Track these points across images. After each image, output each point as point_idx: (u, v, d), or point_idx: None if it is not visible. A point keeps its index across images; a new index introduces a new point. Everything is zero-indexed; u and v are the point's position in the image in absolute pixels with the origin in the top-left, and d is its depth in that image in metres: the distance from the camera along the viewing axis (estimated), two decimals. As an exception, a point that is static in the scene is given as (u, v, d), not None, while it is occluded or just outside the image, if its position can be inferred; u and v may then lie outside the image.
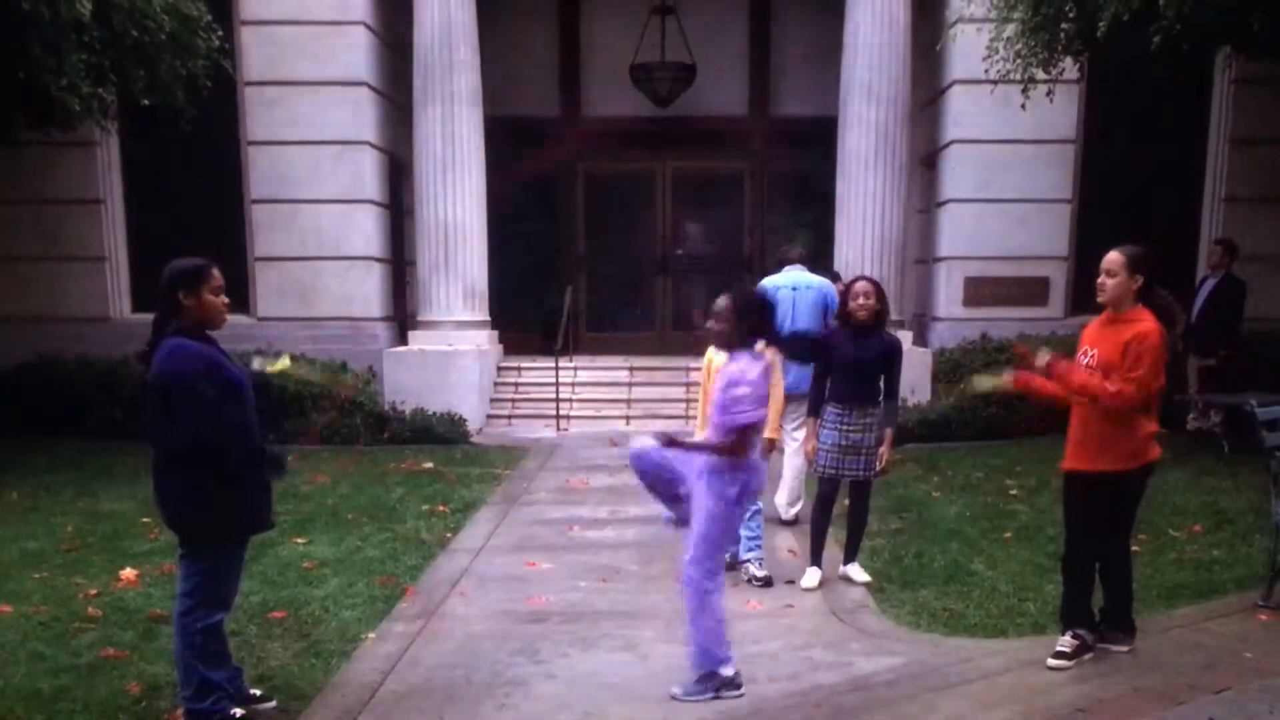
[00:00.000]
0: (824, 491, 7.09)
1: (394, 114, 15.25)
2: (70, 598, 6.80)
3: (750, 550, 7.29)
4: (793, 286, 8.93)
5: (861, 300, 6.91)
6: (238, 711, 4.97)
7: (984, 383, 6.06)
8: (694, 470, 5.31)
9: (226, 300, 5.07)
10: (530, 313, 16.33)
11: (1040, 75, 11.72)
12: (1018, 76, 11.79)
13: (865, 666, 5.64)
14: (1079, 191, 14.49)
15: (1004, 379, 5.84)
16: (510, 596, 6.94)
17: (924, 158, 15.62)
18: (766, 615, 6.55)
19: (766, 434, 7.12)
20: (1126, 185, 14.41)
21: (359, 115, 14.48)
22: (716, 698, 5.26)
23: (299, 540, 8.10)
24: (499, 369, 14.79)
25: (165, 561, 7.48)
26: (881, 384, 7.04)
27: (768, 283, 8.93)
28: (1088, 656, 5.56)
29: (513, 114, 16.04)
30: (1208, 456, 10.69)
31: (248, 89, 14.34)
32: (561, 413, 13.69)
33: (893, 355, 7.03)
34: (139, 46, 10.63)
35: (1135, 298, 5.41)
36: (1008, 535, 8.24)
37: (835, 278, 13.39)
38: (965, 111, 14.39)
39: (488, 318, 14.49)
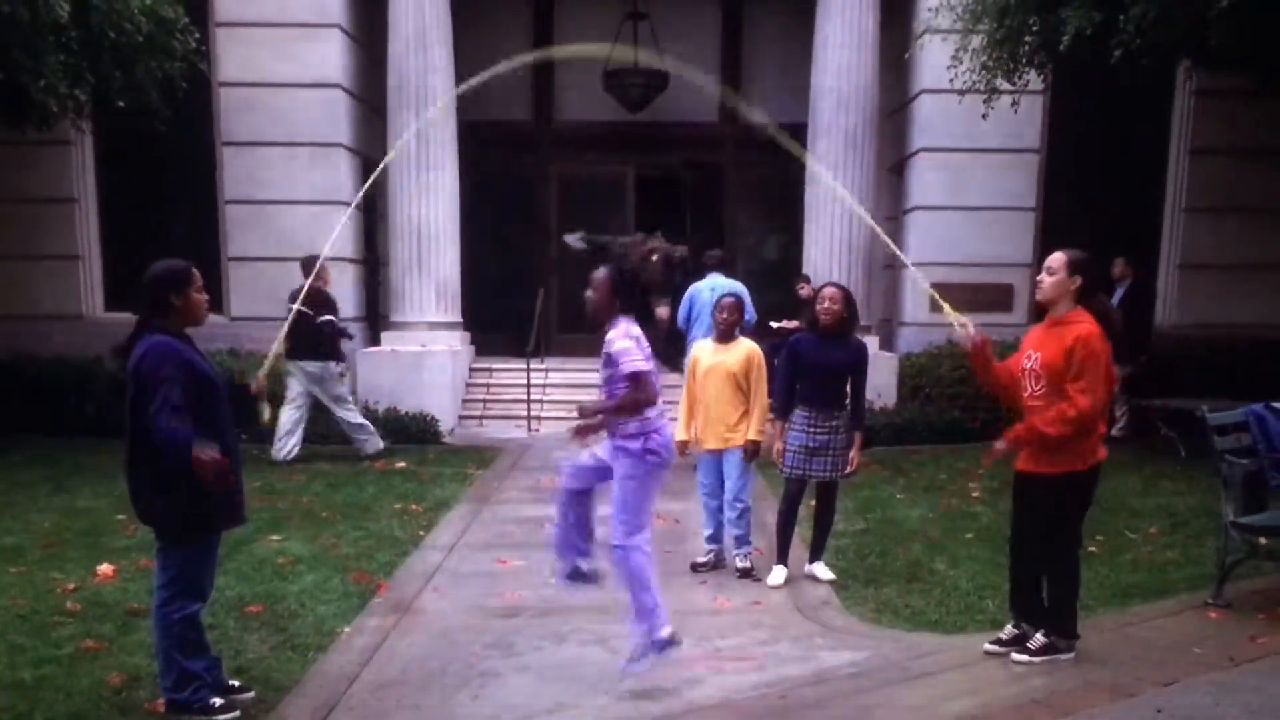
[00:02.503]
0: (791, 492, 7.26)
1: (367, 116, 15.34)
2: (48, 592, 6.90)
3: (739, 548, 7.48)
4: (711, 289, 10.61)
5: (828, 305, 7.09)
6: (217, 701, 5.08)
7: (954, 315, 6.12)
8: (609, 454, 5.58)
9: (207, 297, 5.21)
10: (502, 314, 16.45)
11: (1005, 86, 11.97)
12: (982, 87, 12.03)
13: (829, 660, 5.81)
14: (1043, 200, 14.74)
15: (971, 332, 5.87)
16: (483, 592, 7.09)
17: (892, 165, 15.85)
18: (735, 612, 6.72)
19: (751, 435, 7.34)
20: (1089, 194, 14.69)
21: (333, 117, 14.60)
22: (661, 655, 5.53)
23: (274, 537, 8.22)
24: (471, 370, 14.92)
25: (142, 557, 7.57)
26: (848, 388, 7.20)
27: (693, 288, 10.83)
28: (1065, 658, 5.72)
29: (486, 118, 16.17)
30: (1165, 462, 10.96)
31: (222, 90, 14.43)
32: (533, 414, 13.82)
33: (860, 360, 7.20)
34: (116, 48, 10.74)
35: (1073, 299, 5.57)
36: (969, 535, 8.44)
37: (805, 280, 13.67)
38: (933, 120, 14.64)
39: (460, 319, 14.62)
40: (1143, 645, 5.98)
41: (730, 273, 12.48)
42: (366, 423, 12.02)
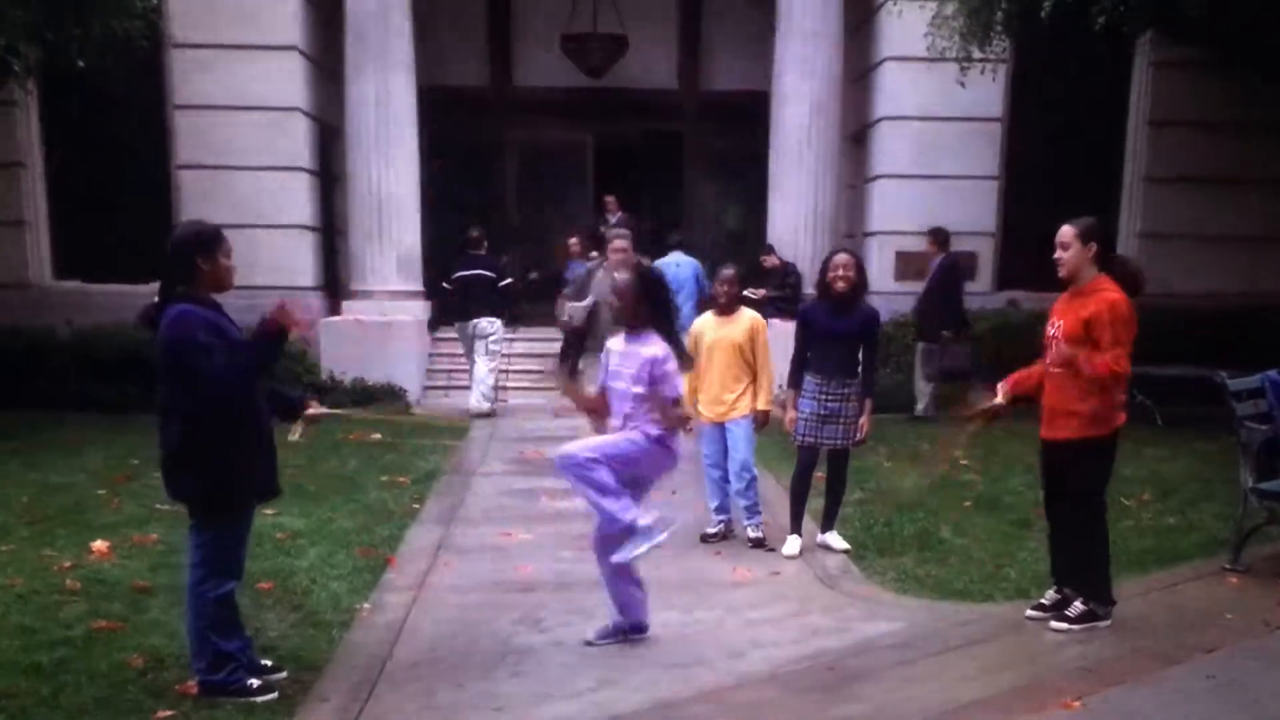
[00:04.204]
0: (804, 460, 7.21)
1: (324, 80, 15.00)
2: (44, 570, 6.64)
3: (750, 519, 7.41)
4: (676, 264, 12.13)
5: (841, 272, 7.03)
6: (254, 682, 4.93)
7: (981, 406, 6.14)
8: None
9: (233, 264, 5.01)
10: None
11: (977, 54, 11.98)
12: (954, 54, 12.04)
13: (866, 631, 5.76)
14: (1005, 169, 14.79)
15: (996, 401, 6.07)
16: (496, 567, 6.96)
17: (852, 134, 15.79)
18: (757, 583, 6.66)
19: (761, 405, 7.29)
20: (1051, 164, 14.70)
21: (291, 81, 14.28)
22: (626, 640, 5.58)
23: (268, 511, 7.84)
24: (434, 340, 14.69)
25: (134, 533, 7.41)
26: (860, 355, 7.15)
27: (659, 263, 10.82)
28: (1103, 625, 5.72)
29: (443, 84, 15.87)
30: (1142, 429, 11.03)
31: (175, 51, 13.99)
32: (499, 383, 13.63)
33: (871, 327, 7.17)
34: (79, 5, 10.35)
35: (1096, 266, 5.58)
36: (967, 504, 8.44)
37: (769, 250, 13.62)
38: (897, 88, 14.61)
39: (422, 288, 14.37)
40: (1174, 612, 6.01)
41: (690, 249, 13.25)
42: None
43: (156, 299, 4.86)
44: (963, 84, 12.20)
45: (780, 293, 13.48)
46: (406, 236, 14.10)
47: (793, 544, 7.19)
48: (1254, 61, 12.28)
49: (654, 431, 5.39)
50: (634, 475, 5.46)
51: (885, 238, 14.77)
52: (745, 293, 12.27)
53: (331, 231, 15.66)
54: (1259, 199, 14.52)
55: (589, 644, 5.52)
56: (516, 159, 17.33)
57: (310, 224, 14.59)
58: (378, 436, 10.98)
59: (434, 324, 14.57)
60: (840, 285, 7.01)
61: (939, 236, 12.78)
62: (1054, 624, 5.71)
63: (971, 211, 14.65)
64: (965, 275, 12.68)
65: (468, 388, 13.67)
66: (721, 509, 7.56)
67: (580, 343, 8.69)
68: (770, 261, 13.68)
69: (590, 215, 16.39)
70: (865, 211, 15.32)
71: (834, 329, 7.03)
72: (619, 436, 5.44)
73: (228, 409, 4.72)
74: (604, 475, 5.32)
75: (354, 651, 5.51)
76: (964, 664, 5.33)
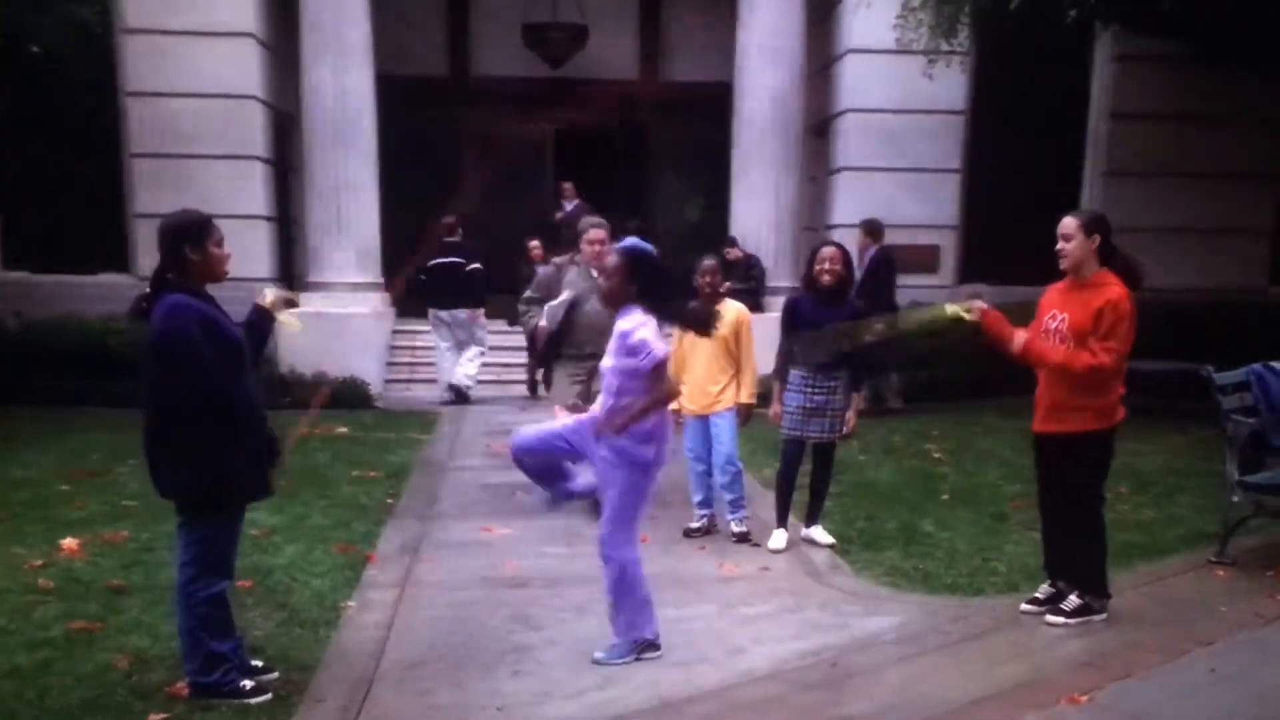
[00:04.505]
0: (790, 454, 7.14)
1: (280, 68, 14.75)
2: (15, 568, 6.45)
3: (734, 513, 7.33)
4: None
5: (827, 265, 6.97)
6: (247, 683, 4.79)
7: (954, 308, 6.04)
8: (594, 442, 5.23)
9: (229, 251, 4.86)
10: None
11: (945, 46, 12.00)
12: (920, 47, 12.06)
13: (864, 626, 5.70)
14: (968, 162, 14.83)
15: (972, 310, 5.82)
16: (480, 563, 6.83)
17: (813, 126, 15.76)
18: (747, 579, 6.57)
19: (744, 398, 7.21)
20: (1013, 157, 14.80)
21: (246, 68, 14.06)
22: (638, 659, 5.25)
23: (238, 507, 7.82)
24: (393, 332, 14.50)
25: (104, 530, 7.24)
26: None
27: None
28: (1099, 619, 5.70)
29: (401, 73, 15.66)
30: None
31: (128, 37, 13.71)
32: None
33: (857, 320, 7.10)
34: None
35: (1098, 260, 5.55)
36: (945, 497, 8.44)
37: (732, 243, 13.57)
38: (860, 80, 14.62)
39: (381, 280, 14.18)
40: (1167, 605, 6.02)
41: (650, 240, 12.61)
42: None
43: (148, 289, 4.71)
44: (930, 76, 12.22)
45: (744, 285, 13.38)
46: (365, 228, 13.91)
47: (779, 538, 7.13)
48: (1224, 54, 12.40)
49: (641, 453, 5.16)
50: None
51: (848, 231, 14.65)
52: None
53: (288, 222, 15.41)
54: (1219, 192, 14.68)
55: (598, 663, 5.27)
56: (476, 149, 17.11)
57: (266, 214, 14.35)
58: (344, 430, 10.82)
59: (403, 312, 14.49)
60: (826, 279, 6.96)
61: (871, 228, 12.72)
62: (1050, 618, 5.68)
63: (934, 204, 14.71)
64: (897, 268, 12.62)
65: (430, 380, 13.55)
66: (705, 503, 7.48)
67: (555, 349, 7.81)
68: (734, 254, 13.62)
69: (551, 207, 16.22)
70: (828, 204, 15.32)
71: (821, 322, 6.96)
72: (618, 492, 5.19)
73: (221, 404, 4.58)
74: (642, 586, 5.34)
75: (345, 651, 5.37)
76: (965, 659, 5.29)
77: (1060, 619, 5.65)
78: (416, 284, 12.83)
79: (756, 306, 12.11)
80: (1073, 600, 5.69)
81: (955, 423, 11.37)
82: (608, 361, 5.25)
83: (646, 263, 5.32)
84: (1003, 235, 14.41)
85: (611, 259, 5.38)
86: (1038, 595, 5.86)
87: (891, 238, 14.44)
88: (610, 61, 16.65)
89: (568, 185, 15.36)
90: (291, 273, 15.29)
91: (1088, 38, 14.24)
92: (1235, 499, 6.71)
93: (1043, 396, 5.74)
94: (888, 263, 12.58)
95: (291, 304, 5.32)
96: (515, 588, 6.36)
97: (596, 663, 5.23)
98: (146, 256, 13.87)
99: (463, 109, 16.83)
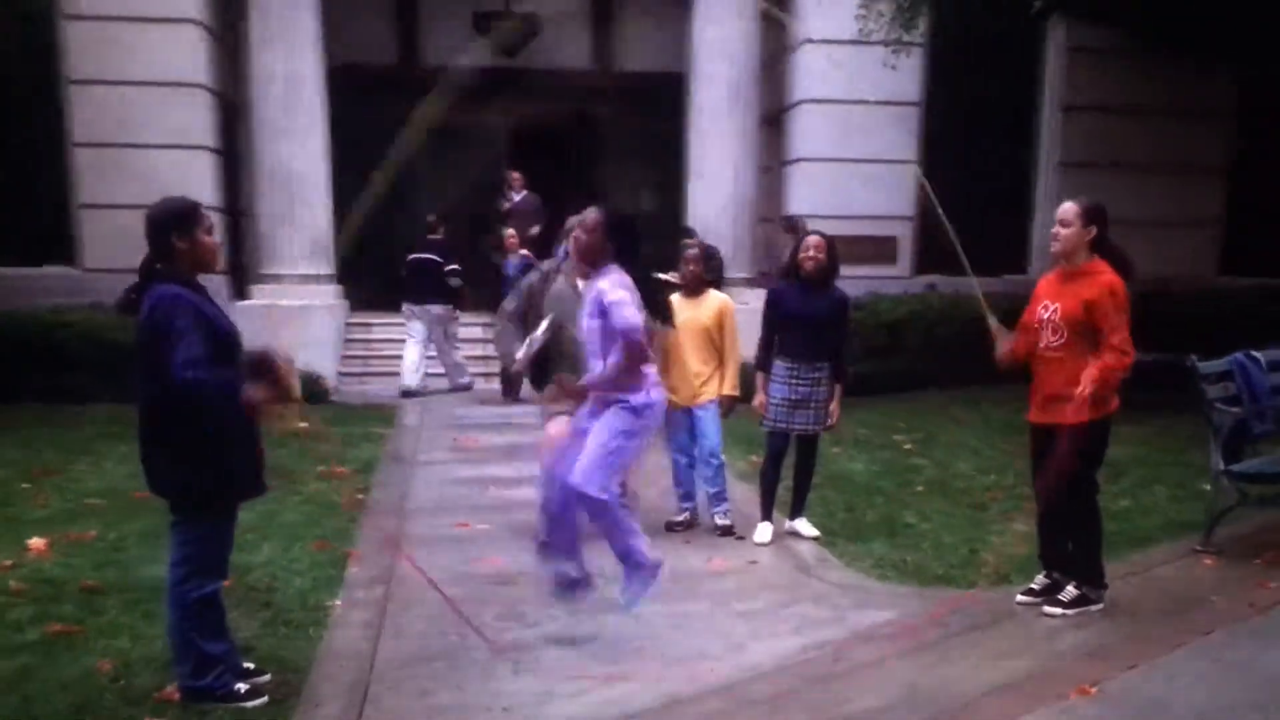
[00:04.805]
0: (775, 446, 7.08)
1: (227, 56, 14.46)
2: (-16, 570, 6.25)
3: (717, 506, 7.25)
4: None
5: (812, 253, 6.92)
6: (242, 687, 4.64)
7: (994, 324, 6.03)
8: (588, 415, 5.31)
9: (219, 240, 4.70)
10: (376, 268, 15.72)
11: (906, 37, 12.02)
12: (881, 37, 12.07)
13: (862, 620, 5.65)
14: (923, 153, 14.85)
15: (1005, 343, 5.91)
16: (462, 559, 6.70)
17: (767, 116, 15.72)
18: (737, 573, 6.50)
19: (727, 390, 7.14)
20: (967, 148, 14.85)
21: (192, 54, 13.73)
22: (657, 580, 5.38)
23: (207, 504, 7.63)
24: (347, 326, 14.27)
25: (70, 529, 7.06)
26: (830, 339, 7.04)
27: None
28: (1095, 609, 5.68)
29: (351, 62, 15.40)
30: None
31: (70, 24, 13.35)
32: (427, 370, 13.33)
33: (842, 310, 7.08)
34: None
35: (1089, 250, 5.54)
36: (920, 488, 8.44)
37: (689, 234, 13.46)
38: (816, 71, 14.56)
39: (334, 272, 13.95)
40: (1160, 595, 6.03)
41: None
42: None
43: (136, 281, 4.54)
44: (894, 67, 12.23)
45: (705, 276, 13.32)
46: (318, 219, 13.69)
47: (764, 531, 7.06)
48: (1170, 46, 12.51)
49: (633, 400, 5.22)
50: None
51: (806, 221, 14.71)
52: (663, 277, 12.19)
53: (236, 213, 15.11)
54: (1169, 183, 14.82)
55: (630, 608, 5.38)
56: (426, 141, 16.81)
57: (214, 205, 13.97)
58: (305, 425, 10.58)
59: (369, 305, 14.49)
60: (809, 265, 6.91)
61: (790, 223, 12.79)
62: (1048, 609, 5.66)
63: (890, 196, 14.71)
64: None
65: (385, 374, 13.39)
66: (688, 497, 7.40)
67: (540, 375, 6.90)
68: (691, 246, 13.49)
69: (505, 198, 15.97)
70: (784, 195, 15.27)
71: (805, 312, 6.91)
72: (607, 433, 5.20)
73: (214, 396, 4.41)
74: (625, 516, 5.30)
75: (337, 651, 5.23)
76: (968, 652, 5.25)
77: (1058, 610, 5.63)
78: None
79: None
80: (1070, 591, 5.67)
81: (919, 413, 11.38)
82: (588, 335, 5.26)
83: (627, 225, 5.37)
84: (959, 226, 14.40)
85: (591, 214, 5.26)
86: (1033, 586, 5.84)
87: (849, 229, 14.45)
88: (563, 52, 16.50)
89: (516, 175, 15.10)
90: (242, 264, 14.98)
91: (1040, 29, 14.34)
92: (1220, 488, 6.72)
93: (1039, 387, 5.72)
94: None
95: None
96: (501, 584, 6.23)
97: (627, 609, 5.35)
98: (93, 248, 13.61)
99: (414, 99, 16.50)
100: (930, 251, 14.77)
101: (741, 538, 7.11)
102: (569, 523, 5.36)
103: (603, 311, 5.13)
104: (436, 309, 13.17)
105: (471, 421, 11.13)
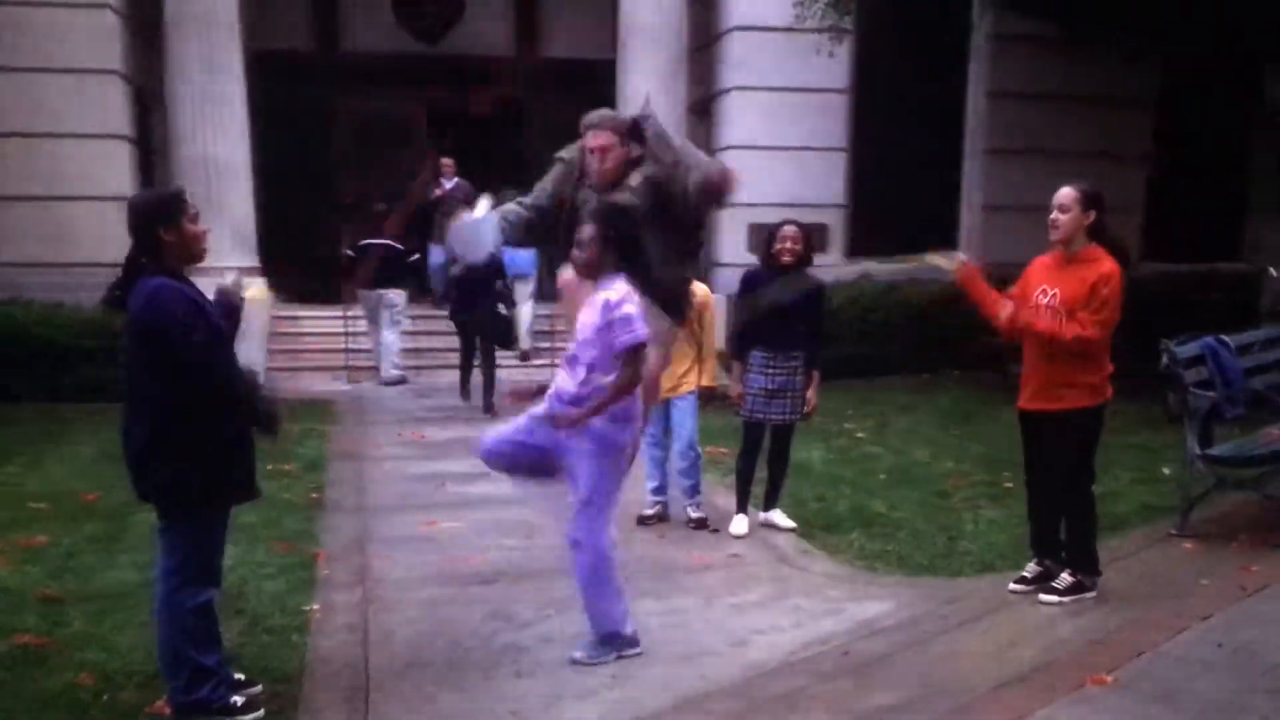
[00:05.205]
0: (751, 437, 6.99)
1: (143, 44, 13.96)
2: (-66, 581, 5.92)
3: (691, 498, 7.14)
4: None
5: (789, 244, 6.86)
6: (238, 699, 4.44)
7: (935, 258, 6.00)
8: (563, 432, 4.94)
9: (205, 228, 4.46)
10: (300, 259, 15.33)
11: (841, 24, 12.03)
12: (817, 24, 12.06)
13: (860, 612, 5.56)
14: (853, 141, 14.87)
15: (955, 263, 5.90)
16: (437, 558, 6.49)
17: (694, 105, 15.61)
18: (721, 567, 6.38)
19: (705, 380, 7.02)
20: (896, 135, 14.87)
21: (105, 41, 13.27)
22: (620, 657, 4.99)
23: (156, 506, 7.32)
24: (273, 319, 13.88)
25: (18, 535, 6.76)
26: (804, 327, 6.96)
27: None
28: (1090, 596, 5.66)
29: (269, 48, 15.01)
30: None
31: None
32: (349, 364, 13.01)
33: (817, 298, 7.00)
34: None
35: (1087, 235, 5.52)
36: (882, 476, 8.41)
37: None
38: (746, 58, 14.51)
39: (258, 263, 13.56)
40: (1148, 580, 6.03)
41: None
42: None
43: (121, 276, 4.29)
44: (831, 54, 12.24)
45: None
46: (239, 208, 13.32)
47: (740, 524, 6.96)
48: (1091, 34, 12.65)
49: (618, 436, 4.91)
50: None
51: (736, 209, 14.61)
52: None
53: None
54: (1092, 171, 14.79)
55: (577, 663, 4.97)
56: (348, 128, 16.49)
57: (130, 195, 13.54)
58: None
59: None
60: (787, 258, 6.85)
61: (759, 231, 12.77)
62: (1043, 597, 5.63)
63: (821, 183, 14.72)
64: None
65: (316, 368, 13.09)
66: (660, 490, 7.25)
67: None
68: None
69: (429, 187, 15.66)
70: (716, 182, 15.15)
71: (780, 301, 6.81)
72: (591, 475, 4.90)
73: (210, 396, 4.20)
74: (616, 576, 5.04)
75: (326, 659, 5.02)
76: (973, 643, 5.21)
77: (1054, 598, 5.60)
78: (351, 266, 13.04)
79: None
80: (1065, 579, 5.64)
81: (865, 401, 11.35)
82: (583, 334, 4.95)
83: (626, 225, 4.99)
84: (889, 213, 14.54)
85: (586, 229, 5.03)
86: (1025, 575, 5.80)
87: (781, 216, 14.39)
88: (486, 37, 16.25)
89: (447, 161, 14.80)
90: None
91: (967, 18, 14.42)
92: (1196, 472, 6.76)
93: (1031, 375, 5.68)
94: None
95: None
96: (483, 584, 6.04)
97: (575, 663, 4.95)
98: (5, 242, 13.06)
99: (334, 86, 16.18)
100: (862, 238, 14.84)
101: (716, 530, 7.00)
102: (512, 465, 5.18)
103: (608, 324, 4.86)
104: (392, 295, 12.87)
105: (414, 416, 10.89)
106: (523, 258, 12.56)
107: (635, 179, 5.28)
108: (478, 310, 11.01)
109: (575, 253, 5.01)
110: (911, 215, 14.99)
